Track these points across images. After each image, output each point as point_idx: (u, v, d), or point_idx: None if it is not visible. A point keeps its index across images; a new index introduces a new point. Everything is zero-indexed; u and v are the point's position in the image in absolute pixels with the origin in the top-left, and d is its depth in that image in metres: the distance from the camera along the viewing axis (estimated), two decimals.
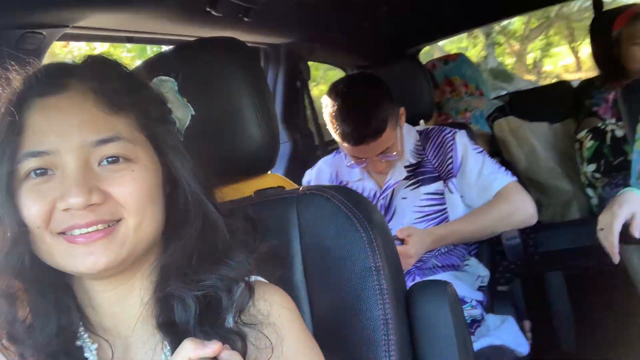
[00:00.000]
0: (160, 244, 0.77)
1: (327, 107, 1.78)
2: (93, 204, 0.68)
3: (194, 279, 0.74)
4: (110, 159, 0.71)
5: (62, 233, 0.69)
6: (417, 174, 1.85)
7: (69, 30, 1.19)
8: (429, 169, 1.85)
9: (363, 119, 1.70)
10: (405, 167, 1.86)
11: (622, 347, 2.26)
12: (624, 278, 2.11)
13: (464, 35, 4.59)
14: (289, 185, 1.11)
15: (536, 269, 2.34)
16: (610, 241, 1.42)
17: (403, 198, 1.84)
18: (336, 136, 1.78)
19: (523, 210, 1.78)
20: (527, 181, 2.53)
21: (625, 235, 1.44)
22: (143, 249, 0.74)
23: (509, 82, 4.10)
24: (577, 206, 2.49)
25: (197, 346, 0.62)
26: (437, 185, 1.82)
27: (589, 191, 2.42)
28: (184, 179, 0.76)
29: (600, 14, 2.72)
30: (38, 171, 0.70)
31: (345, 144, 1.77)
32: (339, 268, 0.91)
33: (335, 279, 0.91)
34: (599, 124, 2.33)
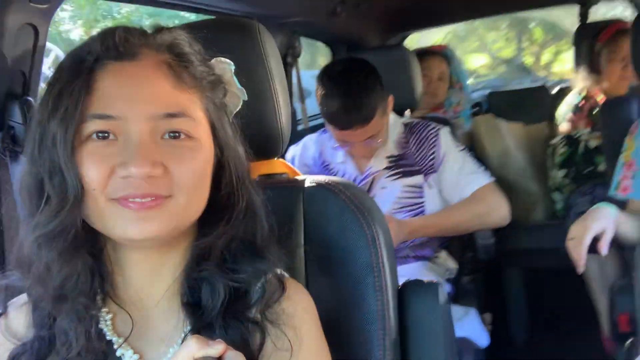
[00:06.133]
0: (196, 225, 0.77)
1: (319, 89, 1.79)
2: (152, 176, 0.68)
3: (231, 268, 0.75)
4: (172, 134, 0.71)
5: (115, 199, 0.69)
6: (399, 165, 1.89)
7: None
8: (411, 162, 1.89)
9: (353, 105, 1.72)
10: (387, 157, 1.90)
11: (571, 346, 2.40)
12: (580, 282, 2.22)
13: (500, 36, 5.73)
14: (293, 172, 1.12)
15: (498, 265, 2.43)
16: (579, 252, 1.48)
17: (382, 188, 1.88)
18: (324, 117, 1.80)
19: (498, 211, 1.85)
20: (497, 179, 2.62)
21: (592, 248, 1.52)
22: (186, 227, 0.74)
23: (528, 75, 5.42)
24: (542, 208, 2.59)
25: (202, 345, 0.61)
26: (417, 179, 1.87)
27: (555, 195, 2.52)
28: (234, 165, 0.77)
29: (585, 24, 2.79)
30: (100, 134, 0.69)
31: (332, 127, 1.80)
32: (342, 262, 0.94)
33: (336, 272, 0.94)
34: (573, 132, 2.41)
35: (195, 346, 0.62)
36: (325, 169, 1.96)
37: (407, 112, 2.21)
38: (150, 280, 0.77)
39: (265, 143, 1.00)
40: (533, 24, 6.06)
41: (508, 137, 2.65)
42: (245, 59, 0.96)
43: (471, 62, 6.04)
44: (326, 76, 1.79)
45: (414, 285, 1.01)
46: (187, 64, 0.74)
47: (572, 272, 2.30)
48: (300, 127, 2.41)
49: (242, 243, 0.77)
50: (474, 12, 3.25)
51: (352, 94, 1.72)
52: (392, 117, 1.94)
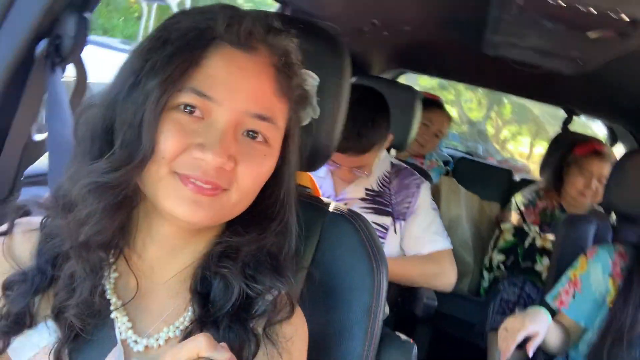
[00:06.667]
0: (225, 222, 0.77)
1: None
2: (222, 167, 0.68)
3: (251, 274, 0.76)
4: (251, 134, 0.72)
5: (178, 173, 0.69)
6: (374, 201, 1.92)
7: None
8: (386, 202, 1.93)
9: (356, 133, 1.73)
10: (367, 189, 1.93)
11: None
12: (481, 357, 2.36)
13: (474, 97, 6.07)
14: (315, 189, 1.12)
15: (413, 321, 2.51)
16: (508, 345, 1.57)
17: None
18: None
19: (447, 277, 1.92)
20: None
21: (520, 344, 1.61)
22: (226, 221, 0.75)
23: (485, 142, 5.89)
24: (468, 281, 2.71)
25: (211, 346, 0.61)
26: (386, 220, 1.91)
27: (485, 274, 2.65)
28: (287, 180, 0.78)
29: (566, 132, 2.96)
30: (188, 108, 0.69)
31: None
32: (343, 296, 0.95)
33: (334, 304, 0.94)
34: (525, 226, 2.54)
35: (204, 345, 0.62)
36: None
37: (393, 151, 2.26)
38: (168, 257, 0.77)
39: (311, 155, 0.96)
40: (507, 100, 6.46)
41: (464, 205, 2.76)
42: (324, 72, 0.94)
43: None
44: None
45: (390, 338, 1.03)
46: (291, 74, 0.76)
47: (475, 347, 2.44)
48: None
49: (267, 255, 0.78)
50: (472, 79, 3.36)
51: (357, 124, 1.73)
52: (384, 153, 1.98)
